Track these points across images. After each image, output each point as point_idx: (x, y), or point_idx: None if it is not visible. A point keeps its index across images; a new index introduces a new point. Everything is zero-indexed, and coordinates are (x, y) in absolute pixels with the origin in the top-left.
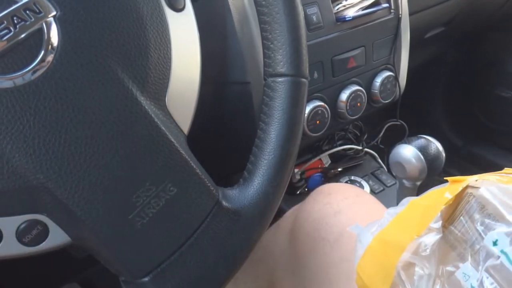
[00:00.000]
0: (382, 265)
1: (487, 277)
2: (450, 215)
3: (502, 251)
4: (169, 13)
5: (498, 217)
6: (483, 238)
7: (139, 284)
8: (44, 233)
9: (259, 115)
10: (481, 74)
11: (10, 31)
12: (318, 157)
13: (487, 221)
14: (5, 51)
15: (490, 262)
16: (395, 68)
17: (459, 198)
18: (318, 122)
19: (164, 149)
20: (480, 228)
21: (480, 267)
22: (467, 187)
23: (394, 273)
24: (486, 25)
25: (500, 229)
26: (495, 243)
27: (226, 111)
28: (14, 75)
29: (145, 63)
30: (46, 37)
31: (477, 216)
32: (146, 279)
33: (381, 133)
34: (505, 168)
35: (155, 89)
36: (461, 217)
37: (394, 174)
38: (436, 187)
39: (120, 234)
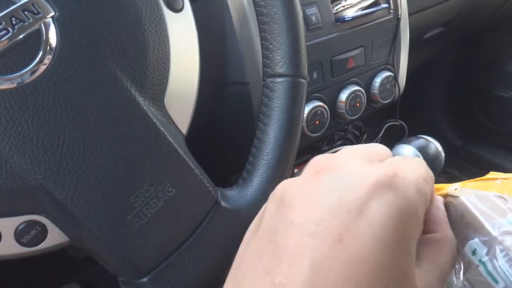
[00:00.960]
0: None
1: (467, 287)
2: None
3: (480, 261)
4: (167, 13)
5: (477, 226)
6: (463, 247)
7: (138, 284)
8: (42, 233)
9: (258, 115)
10: (480, 74)
11: (9, 32)
12: None
13: (466, 230)
14: (3, 52)
15: (470, 271)
16: (394, 68)
17: None
18: (317, 122)
19: (162, 149)
20: (460, 237)
21: (461, 276)
22: (447, 195)
23: None
24: (485, 26)
25: (477, 239)
26: (473, 253)
27: (225, 111)
28: (12, 75)
29: (144, 64)
30: (44, 37)
31: (457, 225)
32: (144, 279)
33: (381, 133)
34: (491, 172)
35: (154, 90)
36: None
37: None
38: None
39: (118, 235)
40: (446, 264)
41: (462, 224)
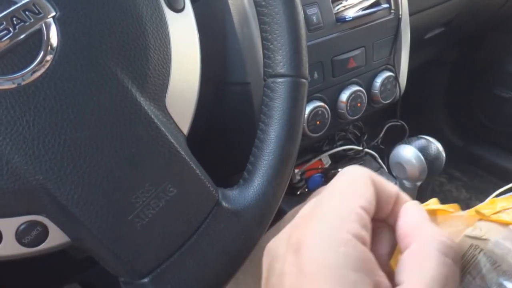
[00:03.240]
0: None
1: None
2: None
3: None
4: (168, 13)
5: None
6: None
7: (139, 285)
8: (43, 234)
9: (259, 115)
10: (481, 74)
11: (10, 32)
12: (318, 158)
13: (501, 279)
14: (4, 52)
15: None
16: (395, 69)
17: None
18: (318, 122)
19: (163, 150)
20: (493, 286)
21: None
22: (469, 237)
23: None
24: (486, 26)
25: None
26: None
27: (226, 111)
28: (13, 76)
29: (145, 64)
30: (45, 37)
31: (489, 274)
32: (145, 280)
33: (382, 134)
34: (497, 197)
35: (155, 90)
36: (467, 275)
37: (394, 174)
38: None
39: (119, 235)
40: (431, 278)
41: (496, 272)
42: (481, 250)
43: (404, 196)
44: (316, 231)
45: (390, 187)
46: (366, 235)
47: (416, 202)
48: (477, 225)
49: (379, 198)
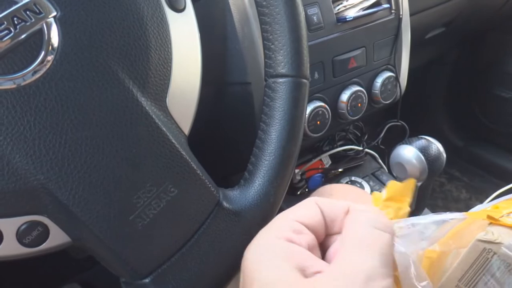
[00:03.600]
0: None
1: None
2: (464, 274)
3: None
4: (169, 13)
5: None
6: None
7: (140, 285)
8: (44, 234)
9: (260, 115)
10: (481, 74)
11: (11, 31)
12: (318, 158)
13: None
14: (5, 52)
15: None
16: (395, 69)
17: (470, 254)
18: (318, 122)
19: (164, 150)
20: None
21: None
22: (481, 241)
23: None
24: (486, 26)
25: None
26: None
27: (227, 111)
28: (14, 75)
29: (146, 64)
30: (46, 37)
31: (503, 276)
32: (147, 280)
33: (382, 134)
34: (500, 201)
35: (156, 90)
36: (482, 277)
37: (394, 174)
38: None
39: (120, 235)
40: (354, 243)
41: (511, 274)
42: (495, 253)
43: (356, 207)
44: (253, 242)
45: (338, 205)
46: (295, 236)
47: (366, 205)
48: (489, 230)
49: (327, 215)
